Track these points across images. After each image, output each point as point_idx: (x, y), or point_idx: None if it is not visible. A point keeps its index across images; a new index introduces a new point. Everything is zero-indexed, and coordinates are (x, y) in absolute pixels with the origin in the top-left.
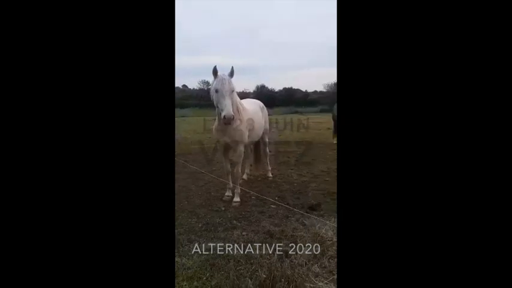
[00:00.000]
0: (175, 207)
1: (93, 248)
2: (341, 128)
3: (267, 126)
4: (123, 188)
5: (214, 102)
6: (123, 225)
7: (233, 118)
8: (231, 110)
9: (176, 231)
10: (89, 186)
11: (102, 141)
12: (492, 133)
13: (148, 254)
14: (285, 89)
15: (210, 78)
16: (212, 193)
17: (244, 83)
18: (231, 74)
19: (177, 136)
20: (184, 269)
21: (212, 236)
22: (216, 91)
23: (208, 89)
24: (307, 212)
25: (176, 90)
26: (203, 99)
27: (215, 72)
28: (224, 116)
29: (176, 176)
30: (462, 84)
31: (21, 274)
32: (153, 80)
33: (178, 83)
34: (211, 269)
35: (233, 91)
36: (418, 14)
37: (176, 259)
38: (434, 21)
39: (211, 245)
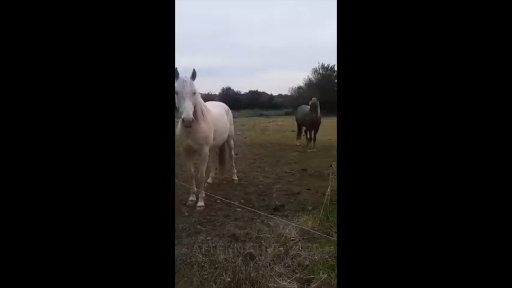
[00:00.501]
0: None
1: (93, 248)
2: (341, 128)
3: (232, 129)
4: (123, 189)
5: (176, 105)
6: (123, 225)
7: (192, 121)
8: (191, 112)
9: None
10: (89, 187)
11: (102, 141)
12: (492, 133)
13: (149, 254)
14: (250, 91)
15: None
16: (179, 197)
17: (210, 85)
18: (193, 76)
19: None
20: None
21: (176, 242)
22: (177, 93)
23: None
24: (271, 214)
25: None
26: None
27: (176, 74)
28: (183, 118)
29: None
30: (462, 85)
31: (21, 274)
32: (152, 81)
33: None
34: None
35: (194, 93)
36: (419, 14)
37: None
38: (435, 22)
39: (175, 251)
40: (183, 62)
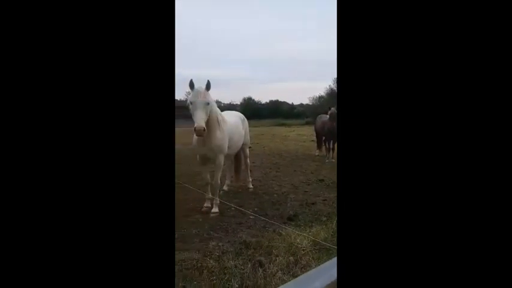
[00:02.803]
0: None
1: (92, 248)
2: (341, 129)
3: (248, 137)
4: (123, 190)
5: (191, 114)
6: (122, 226)
7: (204, 130)
8: (202, 122)
9: None
10: (89, 188)
11: (102, 142)
12: (492, 133)
13: (149, 255)
14: (271, 101)
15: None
16: (191, 204)
17: (230, 95)
18: (208, 87)
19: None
20: None
21: (187, 247)
22: (191, 103)
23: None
24: (284, 223)
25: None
26: (186, 110)
27: (191, 85)
28: (195, 127)
29: None
30: (462, 86)
31: (21, 274)
32: (152, 81)
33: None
34: (184, 279)
35: (208, 103)
36: (419, 16)
37: None
38: (435, 23)
39: (186, 255)
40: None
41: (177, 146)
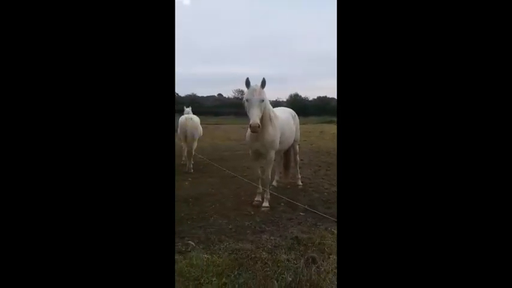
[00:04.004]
0: (209, 208)
1: (92, 248)
2: (341, 128)
3: (298, 134)
4: (123, 189)
5: (246, 111)
6: (123, 225)
7: (258, 126)
8: (257, 119)
9: (208, 230)
10: (89, 187)
11: (102, 142)
12: (492, 133)
13: (149, 255)
14: (319, 97)
15: (244, 88)
16: (242, 197)
17: (277, 92)
18: (263, 84)
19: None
20: (214, 265)
21: (241, 238)
22: (247, 100)
23: (242, 98)
24: (336, 221)
25: (211, 99)
26: (237, 108)
27: (247, 83)
28: (250, 124)
29: (209, 179)
30: (462, 87)
31: (21, 274)
32: (153, 81)
33: (214, 91)
34: (239, 268)
35: (263, 101)
36: (419, 16)
37: (207, 256)
38: (435, 23)
39: (240, 245)
40: (252, 71)
41: (229, 142)
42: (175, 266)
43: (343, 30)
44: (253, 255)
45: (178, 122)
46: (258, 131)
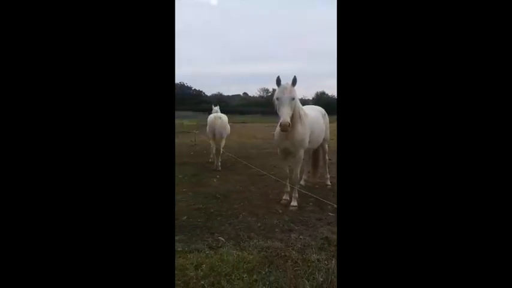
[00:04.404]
0: (237, 205)
1: (92, 248)
2: (341, 128)
3: (328, 133)
4: (123, 189)
5: (276, 109)
6: (123, 225)
7: (289, 125)
8: (288, 117)
9: (237, 227)
10: (89, 188)
11: (102, 142)
12: (492, 133)
13: (149, 255)
14: None
15: (269, 86)
16: (270, 196)
17: (304, 89)
18: (294, 82)
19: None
20: (245, 262)
21: (270, 236)
22: (277, 99)
23: (267, 96)
24: None
25: (237, 98)
26: (263, 106)
27: (278, 81)
28: (280, 123)
29: (237, 177)
30: (462, 87)
31: (21, 274)
32: (153, 81)
33: (239, 90)
34: (269, 265)
35: (294, 99)
36: (419, 15)
37: (237, 252)
38: (435, 23)
39: (269, 243)
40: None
41: (255, 141)
42: (207, 260)
43: (343, 30)
44: (283, 254)
45: (207, 121)
46: (288, 129)
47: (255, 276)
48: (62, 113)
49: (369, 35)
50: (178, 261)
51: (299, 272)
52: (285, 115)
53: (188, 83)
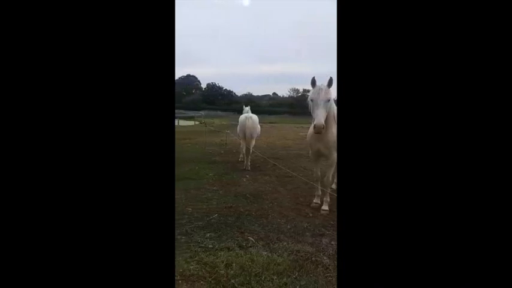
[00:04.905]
0: (267, 206)
1: (92, 248)
2: (341, 128)
3: None
4: (123, 189)
5: (310, 111)
6: (123, 225)
7: (323, 127)
8: (322, 120)
9: (266, 228)
10: (89, 188)
11: (102, 142)
12: (492, 133)
13: (149, 255)
14: None
15: (299, 86)
16: (300, 198)
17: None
18: (329, 84)
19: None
20: (275, 264)
21: (300, 240)
22: (312, 100)
23: (297, 97)
24: None
25: (266, 98)
26: (292, 107)
27: (313, 82)
28: (314, 125)
29: (266, 177)
30: (462, 87)
31: (21, 274)
32: (153, 81)
33: (269, 90)
34: (299, 270)
35: (329, 100)
36: (419, 15)
37: (267, 254)
38: (435, 23)
39: (299, 247)
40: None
41: (285, 141)
42: (237, 259)
43: (343, 30)
44: (313, 259)
45: (238, 121)
46: (322, 131)
47: (285, 279)
48: (62, 113)
49: (369, 34)
50: (209, 258)
51: (330, 278)
52: (319, 117)
53: (219, 83)
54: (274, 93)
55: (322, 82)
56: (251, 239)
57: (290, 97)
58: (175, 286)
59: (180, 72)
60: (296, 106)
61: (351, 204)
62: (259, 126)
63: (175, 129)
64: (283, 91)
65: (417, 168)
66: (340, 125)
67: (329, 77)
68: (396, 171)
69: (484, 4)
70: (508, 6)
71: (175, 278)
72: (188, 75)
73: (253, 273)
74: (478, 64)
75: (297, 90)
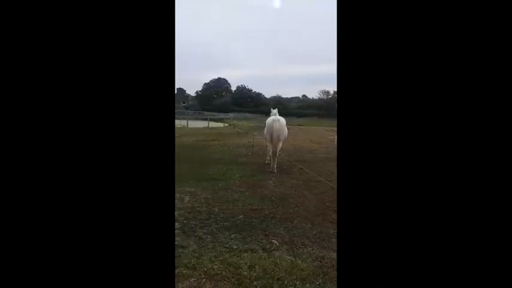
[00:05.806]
0: (292, 210)
1: (92, 248)
2: (341, 128)
3: None
4: (123, 189)
5: None
6: (123, 225)
7: None
8: None
9: (291, 232)
10: (89, 188)
11: (102, 142)
12: (492, 133)
13: (149, 255)
14: None
15: (330, 88)
16: (327, 203)
17: None
18: None
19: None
20: (298, 269)
21: (325, 245)
22: None
23: (327, 99)
24: None
25: (295, 100)
26: (320, 109)
27: None
28: None
29: (292, 181)
30: (462, 87)
31: (21, 274)
32: (153, 80)
33: (298, 92)
34: (323, 276)
35: None
36: (419, 15)
37: (291, 258)
38: (435, 23)
39: (325, 253)
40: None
41: (311, 145)
42: (261, 262)
43: (343, 30)
44: None
45: (266, 123)
46: None
47: (308, 286)
48: (62, 113)
49: (369, 35)
50: (233, 258)
51: None
52: None
53: (249, 85)
54: (303, 95)
55: None
56: (275, 242)
57: (320, 99)
58: (200, 285)
59: (211, 75)
60: (325, 108)
61: (351, 204)
62: (286, 128)
63: (206, 131)
64: (313, 93)
65: (417, 168)
66: (340, 124)
67: None
68: (396, 171)
69: (484, 4)
70: (508, 6)
71: (200, 276)
72: (219, 78)
73: (276, 277)
74: (478, 64)
75: (327, 92)
